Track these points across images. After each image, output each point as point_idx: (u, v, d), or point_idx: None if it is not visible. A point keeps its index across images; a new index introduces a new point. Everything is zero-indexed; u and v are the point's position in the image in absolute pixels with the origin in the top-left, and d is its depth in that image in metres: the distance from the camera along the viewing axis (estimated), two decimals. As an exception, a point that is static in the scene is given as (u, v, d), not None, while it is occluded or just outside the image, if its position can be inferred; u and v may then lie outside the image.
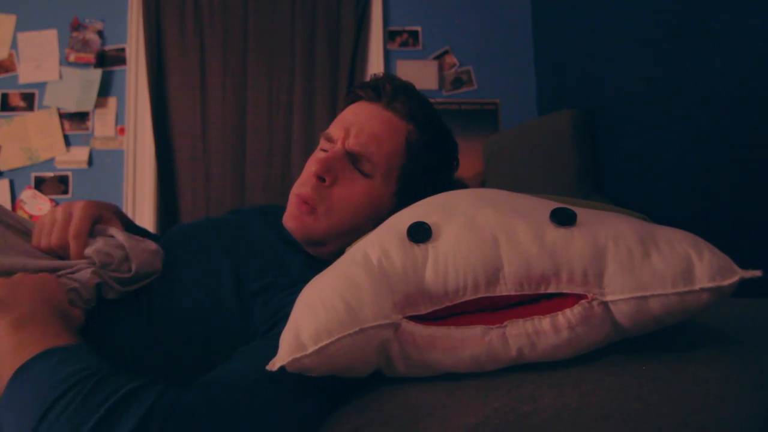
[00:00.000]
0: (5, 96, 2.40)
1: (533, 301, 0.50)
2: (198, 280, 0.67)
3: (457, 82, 2.58)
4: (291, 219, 0.75)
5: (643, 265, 0.47)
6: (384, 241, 0.54)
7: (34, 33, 2.44)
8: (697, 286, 0.45)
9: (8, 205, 2.35)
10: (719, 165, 1.33)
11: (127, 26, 2.48)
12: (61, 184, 2.39)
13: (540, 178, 1.97)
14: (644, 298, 0.46)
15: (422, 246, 0.52)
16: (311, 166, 0.75)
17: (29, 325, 0.51)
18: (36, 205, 2.37)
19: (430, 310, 0.51)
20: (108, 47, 2.47)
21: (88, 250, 0.65)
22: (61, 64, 2.42)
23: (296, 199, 0.75)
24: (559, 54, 2.33)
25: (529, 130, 2.10)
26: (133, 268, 0.65)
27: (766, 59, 1.18)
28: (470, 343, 0.49)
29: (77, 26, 2.45)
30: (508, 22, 2.61)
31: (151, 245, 0.70)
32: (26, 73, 2.41)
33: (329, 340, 0.47)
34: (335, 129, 0.78)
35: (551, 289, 0.49)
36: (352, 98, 0.82)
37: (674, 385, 0.43)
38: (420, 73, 2.54)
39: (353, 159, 0.75)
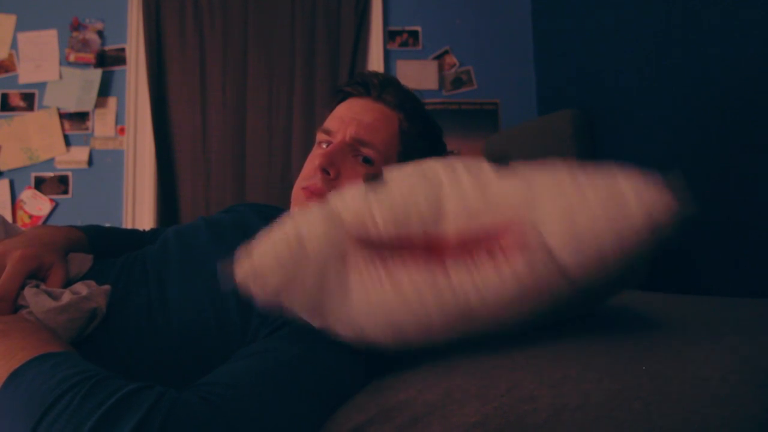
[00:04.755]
0: (5, 96, 2.40)
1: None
2: (199, 291, 0.65)
3: (457, 82, 2.57)
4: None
5: (573, 192, 0.49)
6: (344, 192, 0.61)
7: (34, 33, 2.43)
8: (627, 210, 0.46)
9: (8, 205, 2.36)
10: (719, 165, 1.33)
11: (127, 26, 2.48)
12: (61, 184, 2.39)
13: (540, 178, 1.97)
14: (573, 221, 0.47)
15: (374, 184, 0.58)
16: (314, 161, 0.77)
17: (17, 333, 0.50)
18: (36, 205, 2.37)
19: (382, 233, 0.54)
20: (108, 47, 2.47)
21: (23, 303, 0.59)
22: (61, 64, 2.42)
23: (305, 192, 0.76)
24: (559, 54, 2.33)
25: (529, 130, 2.09)
26: (71, 326, 0.57)
27: (767, 59, 1.18)
28: (411, 270, 0.51)
29: (77, 26, 2.44)
30: (508, 22, 2.61)
31: (93, 294, 0.60)
32: (26, 73, 2.41)
33: (271, 248, 0.53)
34: (332, 124, 0.80)
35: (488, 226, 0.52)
36: (341, 97, 0.85)
37: (674, 385, 0.43)
38: (420, 73, 2.54)
39: (354, 149, 0.77)
